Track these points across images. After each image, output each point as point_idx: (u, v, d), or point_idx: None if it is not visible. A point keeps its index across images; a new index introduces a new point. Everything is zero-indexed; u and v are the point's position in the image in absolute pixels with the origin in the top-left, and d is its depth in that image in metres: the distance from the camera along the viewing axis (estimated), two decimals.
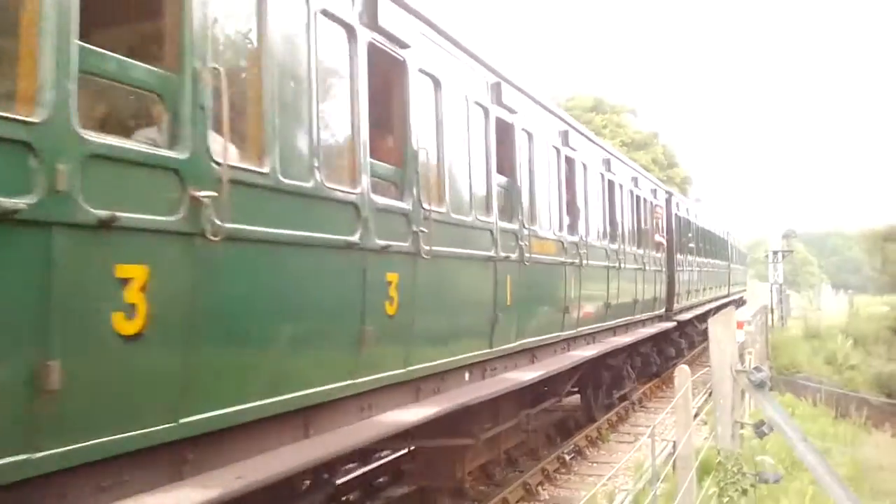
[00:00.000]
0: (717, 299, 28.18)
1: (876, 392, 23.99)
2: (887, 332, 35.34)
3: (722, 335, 7.31)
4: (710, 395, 12.60)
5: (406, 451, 8.59)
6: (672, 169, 51.37)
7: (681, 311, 20.08)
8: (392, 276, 6.02)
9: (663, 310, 18.19)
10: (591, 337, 12.37)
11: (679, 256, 20.18)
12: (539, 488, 10.09)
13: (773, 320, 31.82)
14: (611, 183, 13.80)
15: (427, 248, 6.45)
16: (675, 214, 20.56)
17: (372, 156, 5.89)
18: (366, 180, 5.72)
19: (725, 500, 5.59)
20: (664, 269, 18.13)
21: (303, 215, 4.95)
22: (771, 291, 36.12)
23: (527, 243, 9.03)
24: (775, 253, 36.74)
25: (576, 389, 12.68)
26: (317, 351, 5.17)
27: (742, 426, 6.89)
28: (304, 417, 5.10)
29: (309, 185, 4.99)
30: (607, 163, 13.66)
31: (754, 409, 9.07)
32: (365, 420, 5.76)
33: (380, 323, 5.81)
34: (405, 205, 6.32)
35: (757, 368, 7.02)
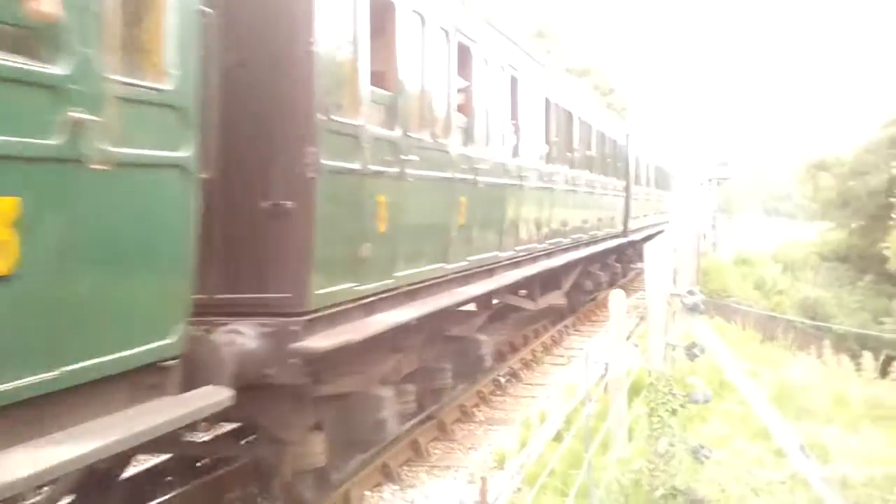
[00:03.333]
0: (592, 243, 16.76)
1: (802, 316, 24.81)
2: (815, 258, 36.55)
3: (657, 259, 7.37)
4: (642, 319, 12.89)
5: None
6: (612, 94, 51.43)
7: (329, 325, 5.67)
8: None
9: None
10: None
11: (386, 135, 6.55)
12: (475, 410, 10.20)
13: (703, 246, 32.41)
14: None
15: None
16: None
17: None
18: None
19: (655, 419, 5.66)
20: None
21: None
22: (703, 218, 36.69)
23: None
24: (710, 180, 37.21)
25: None
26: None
27: (673, 348, 6.99)
28: None
29: None
30: None
31: (684, 332, 9.22)
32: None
33: None
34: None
35: (690, 292, 7.10)
